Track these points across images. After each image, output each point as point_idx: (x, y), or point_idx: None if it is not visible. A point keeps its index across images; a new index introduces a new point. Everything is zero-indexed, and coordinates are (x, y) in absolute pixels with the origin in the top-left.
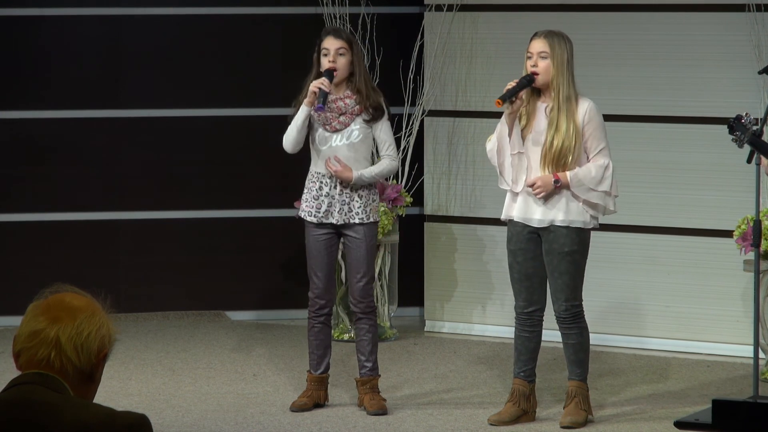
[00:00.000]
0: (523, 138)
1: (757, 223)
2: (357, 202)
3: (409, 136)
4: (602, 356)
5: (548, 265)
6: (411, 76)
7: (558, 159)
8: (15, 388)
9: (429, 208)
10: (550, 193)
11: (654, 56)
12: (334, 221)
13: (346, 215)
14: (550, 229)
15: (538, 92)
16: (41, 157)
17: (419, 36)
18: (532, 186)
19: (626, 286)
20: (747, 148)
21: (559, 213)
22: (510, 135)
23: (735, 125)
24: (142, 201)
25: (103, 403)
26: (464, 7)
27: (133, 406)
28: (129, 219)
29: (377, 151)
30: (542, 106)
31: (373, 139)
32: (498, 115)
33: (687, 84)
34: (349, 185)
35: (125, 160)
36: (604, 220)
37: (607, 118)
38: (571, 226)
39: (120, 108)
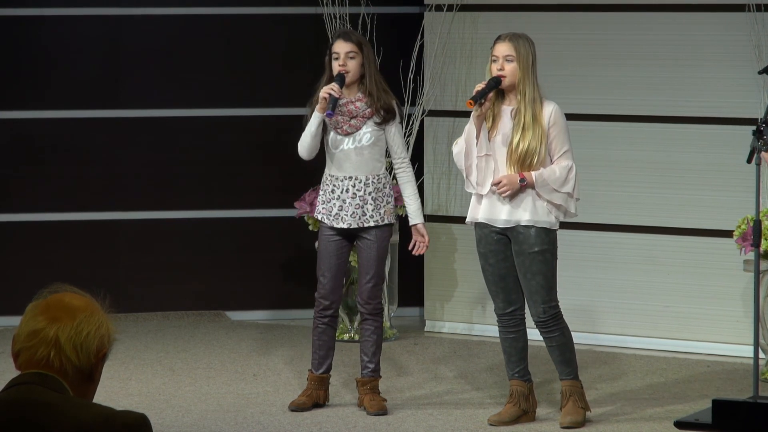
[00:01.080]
0: (489, 140)
1: (757, 223)
2: (370, 205)
3: (409, 136)
4: (602, 356)
5: (520, 267)
6: (411, 76)
7: (524, 160)
8: (14, 388)
9: (429, 208)
10: (516, 193)
11: (654, 56)
12: (345, 226)
13: (360, 219)
14: (518, 229)
15: (502, 95)
16: (41, 157)
17: (419, 36)
18: (497, 185)
19: (626, 286)
20: (748, 148)
21: (525, 213)
22: (477, 137)
23: (763, 129)
24: (142, 201)
25: (103, 403)
26: (464, 7)
27: (133, 406)
28: (129, 219)
29: (389, 154)
30: (507, 109)
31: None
32: None
33: (687, 84)
34: (366, 192)
35: (125, 160)
36: (603, 220)
37: (607, 118)
38: (536, 226)
39: (120, 108)
